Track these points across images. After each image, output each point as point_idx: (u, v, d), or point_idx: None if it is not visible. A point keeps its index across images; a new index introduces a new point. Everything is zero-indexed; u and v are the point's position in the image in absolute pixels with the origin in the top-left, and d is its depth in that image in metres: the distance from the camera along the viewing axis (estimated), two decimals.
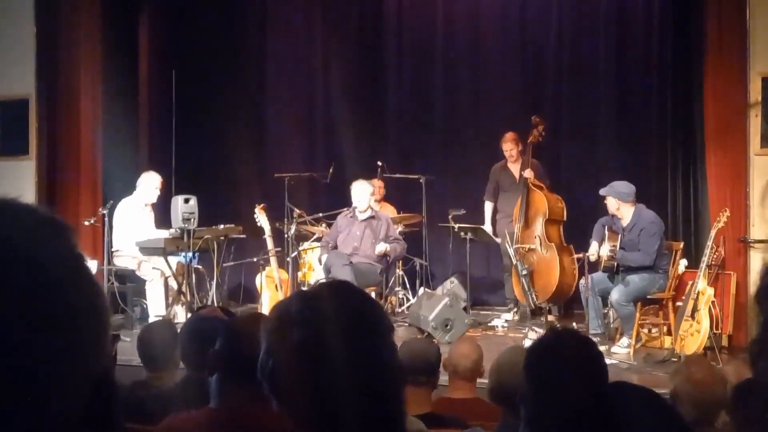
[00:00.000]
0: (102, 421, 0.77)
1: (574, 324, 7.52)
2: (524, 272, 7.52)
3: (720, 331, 6.92)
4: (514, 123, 8.77)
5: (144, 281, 7.73)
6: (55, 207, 7.96)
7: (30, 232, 0.74)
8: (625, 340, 6.95)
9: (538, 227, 8.09)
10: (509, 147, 8.43)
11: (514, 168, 8.46)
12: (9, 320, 0.68)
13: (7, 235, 0.72)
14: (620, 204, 7.05)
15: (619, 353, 6.77)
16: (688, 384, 3.14)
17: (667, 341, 6.95)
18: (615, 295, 6.87)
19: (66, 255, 0.76)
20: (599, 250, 7.08)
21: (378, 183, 8.92)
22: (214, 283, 7.77)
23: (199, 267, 7.99)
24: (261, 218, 8.06)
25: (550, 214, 8.08)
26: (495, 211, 8.62)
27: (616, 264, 7.05)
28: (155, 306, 7.60)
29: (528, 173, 8.18)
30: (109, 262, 7.64)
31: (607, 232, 7.07)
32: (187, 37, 9.88)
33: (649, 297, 6.98)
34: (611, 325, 7.23)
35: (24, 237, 0.73)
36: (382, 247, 7.84)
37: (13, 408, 0.68)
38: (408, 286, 8.79)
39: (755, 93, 7.18)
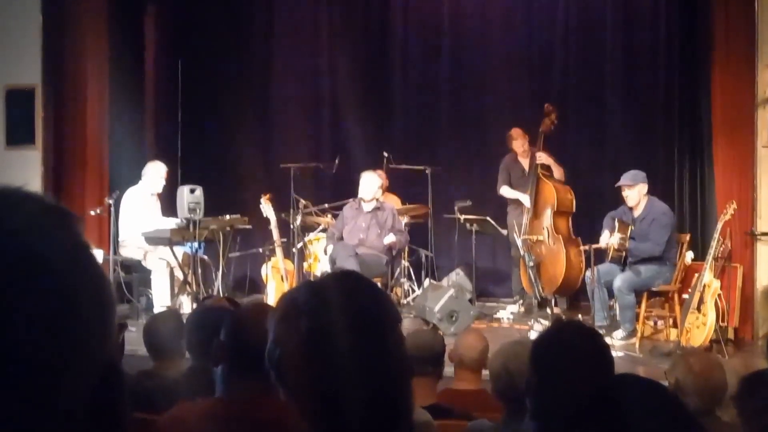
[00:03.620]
0: (109, 411, 0.77)
1: (580, 316, 7.54)
2: (531, 264, 7.50)
3: (726, 323, 6.91)
4: (520, 114, 8.76)
5: (150, 271, 7.74)
6: (61, 197, 7.98)
7: (35, 220, 0.73)
8: (619, 332, 6.93)
9: (547, 218, 8.06)
10: (520, 143, 8.38)
11: (524, 161, 8.42)
12: (15, 309, 0.68)
13: (13, 224, 0.72)
14: (643, 191, 7.03)
15: (614, 345, 6.71)
16: (690, 375, 3.16)
17: (673, 334, 6.95)
18: (618, 281, 6.87)
19: (71, 243, 0.75)
20: (609, 239, 7.06)
21: (381, 174, 8.91)
22: (219, 273, 7.77)
23: (205, 257, 8.00)
24: (267, 209, 8.06)
25: (558, 206, 8.06)
26: (506, 202, 8.57)
27: (624, 255, 7.04)
28: (161, 296, 7.60)
29: (542, 156, 8.12)
30: (115, 252, 7.64)
31: (617, 224, 7.06)
32: (194, 28, 9.87)
33: (655, 289, 6.98)
34: (617, 318, 7.22)
35: (29, 225, 0.72)
36: (391, 238, 7.86)
37: (20, 398, 0.68)
38: (413, 277, 8.79)
39: (763, 86, 7.16)
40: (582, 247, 7.65)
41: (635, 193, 7.06)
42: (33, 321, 0.69)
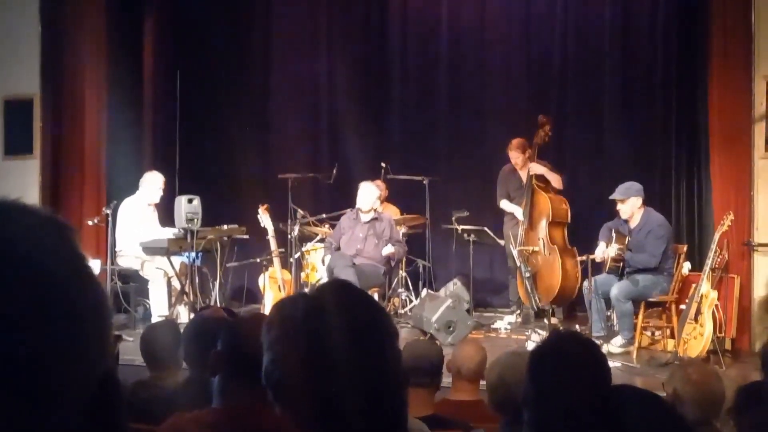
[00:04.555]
0: (106, 421, 0.77)
1: (577, 326, 7.53)
2: (527, 274, 7.50)
3: (723, 334, 6.91)
4: (517, 125, 8.77)
5: (147, 281, 7.73)
6: (59, 206, 7.99)
7: (32, 232, 0.74)
8: (618, 339, 6.93)
9: (542, 229, 8.07)
10: (515, 155, 8.37)
11: (522, 173, 8.42)
12: (12, 320, 0.68)
13: (10, 236, 0.72)
14: (636, 204, 7.04)
15: (612, 352, 6.71)
16: (688, 385, 3.16)
17: (670, 344, 6.94)
18: (615, 290, 6.87)
19: (68, 255, 0.76)
20: (606, 250, 7.06)
21: (380, 185, 8.91)
22: (217, 283, 7.76)
23: (203, 267, 8.00)
24: (264, 219, 8.06)
25: (553, 216, 8.06)
26: (503, 213, 8.56)
27: (621, 266, 7.04)
28: (158, 306, 7.60)
29: (537, 168, 8.11)
30: (113, 262, 7.64)
31: (614, 235, 7.06)
32: (192, 38, 9.88)
33: (652, 300, 6.98)
34: (614, 328, 7.22)
35: (26, 237, 0.73)
36: (390, 249, 7.86)
37: (19, 405, 0.68)
38: (411, 287, 8.78)
39: (760, 97, 7.18)
40: (580, 258, 7.65)
41: (628, 206, 7.07)
42: (31, 330, 0.69)
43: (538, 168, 8.15)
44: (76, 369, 0.72)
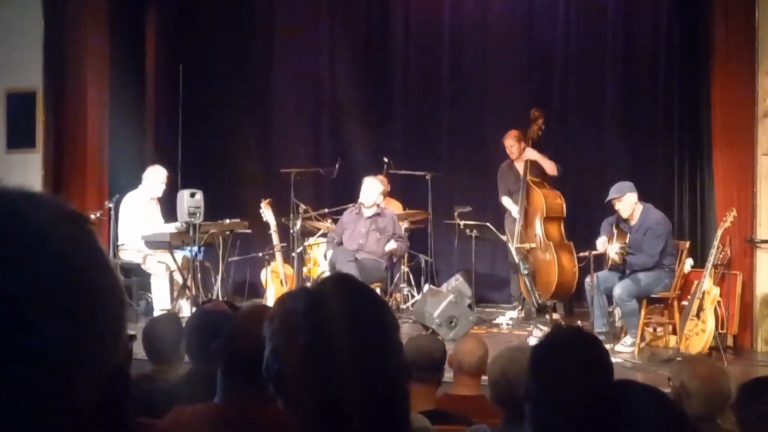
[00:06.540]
0: (115, 412, 0.77)
1: (579, 322, 7.51)
2: (526, 271, 7.50)
3: (725, 330, 6.91)
4: (520, 120, 8.75)
5: (149, 275, 7.74)
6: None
7: (57, 222, 0.73)
8: (628, 339, 6.93)
9: (538, 226, 8.09)
10: (510, 143, 8.39)
11: (520, 167, 8.42)
12: (37, 308, 0.68)
13: (35, 225, 0.72)
14: (633, 200, 7.02)
15: (622, 352, 6.74)
16: (695, 379, 3.15)
17: (672, 340, 6.94)
18: (618, 290, 6.86)
19: (89, 246, 0.76)
20: (608, 246, 7.06)
21: (383, 180, 8.90)
22: (219, 277, 7.77)
23: (205, 261, 8.00)
24: (267, 213, 8.06)
25: (548, 212, 8.09)
26: (505, 209, 8.57)
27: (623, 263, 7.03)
28: (160, 300, 7.60)
29: (532, 153, 8.13)
30: (115, 256, 7.65)
31: (615, 231, 7.05)
32: (195, 32, 9.88)
33: (654, 296, 6.97)
34: (616, 324, 7.22)
35: (51, 227, 0.72)
36: (392, 246, 7.87)
37: (39, 396, 0.68)
38: (413, 282, 8.79)
39: (763, 94, 7.16)
40: (582, 254, 7.65)
41: (626, 204, 7.04)
42: (54, 320, 0.69)
43: (532, 153, 8.17)
44: (93, 358, 0.72)
